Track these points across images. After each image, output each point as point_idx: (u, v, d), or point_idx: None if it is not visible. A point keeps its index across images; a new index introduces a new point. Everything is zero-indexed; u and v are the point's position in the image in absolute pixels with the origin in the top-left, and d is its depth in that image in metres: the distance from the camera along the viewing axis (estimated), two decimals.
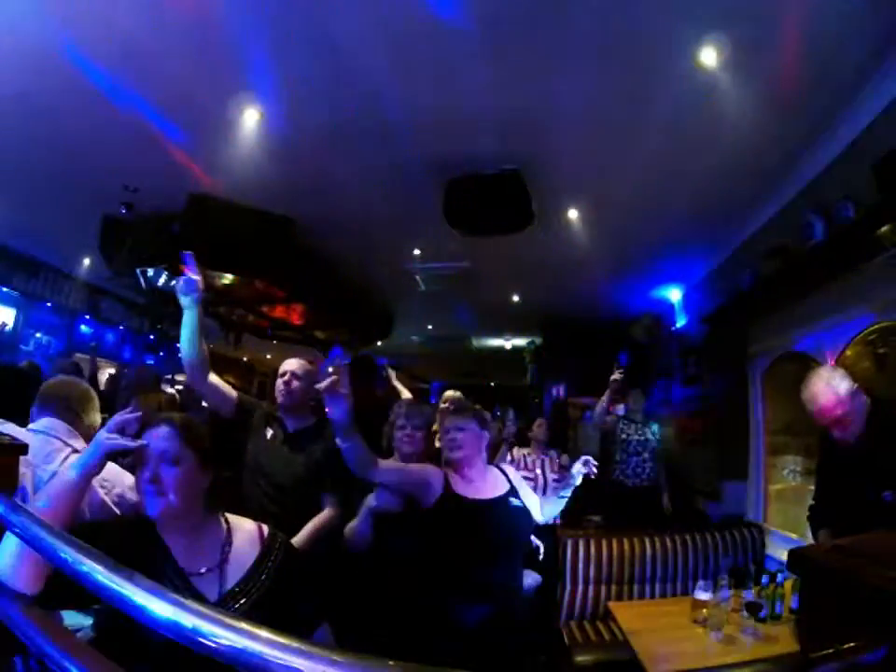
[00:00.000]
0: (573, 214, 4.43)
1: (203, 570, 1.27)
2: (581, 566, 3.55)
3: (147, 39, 2.74)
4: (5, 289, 6.77)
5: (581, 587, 3.54)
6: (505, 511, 2.08)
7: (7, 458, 1.38)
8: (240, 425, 2.37)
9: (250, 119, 3.30)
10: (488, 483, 2.14)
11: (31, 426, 1.83)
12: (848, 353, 3.28)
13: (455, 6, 2.49)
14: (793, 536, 3.55)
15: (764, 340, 4.26)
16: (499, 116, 3.26)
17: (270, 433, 2.38)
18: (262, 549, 1.37)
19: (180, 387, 6.32)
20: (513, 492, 2.17)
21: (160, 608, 0.85)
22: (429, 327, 8.99)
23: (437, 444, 2.48)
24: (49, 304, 7.43)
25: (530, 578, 3.11)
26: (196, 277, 2.11)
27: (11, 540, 1.12)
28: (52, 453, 1.74)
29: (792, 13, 2.41)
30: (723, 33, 2.53)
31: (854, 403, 2.06)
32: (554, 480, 4.07)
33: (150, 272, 5.25)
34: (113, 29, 2.68)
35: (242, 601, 1.26)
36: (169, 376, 8.44)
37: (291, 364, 2.47)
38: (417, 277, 6.09)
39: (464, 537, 1.96)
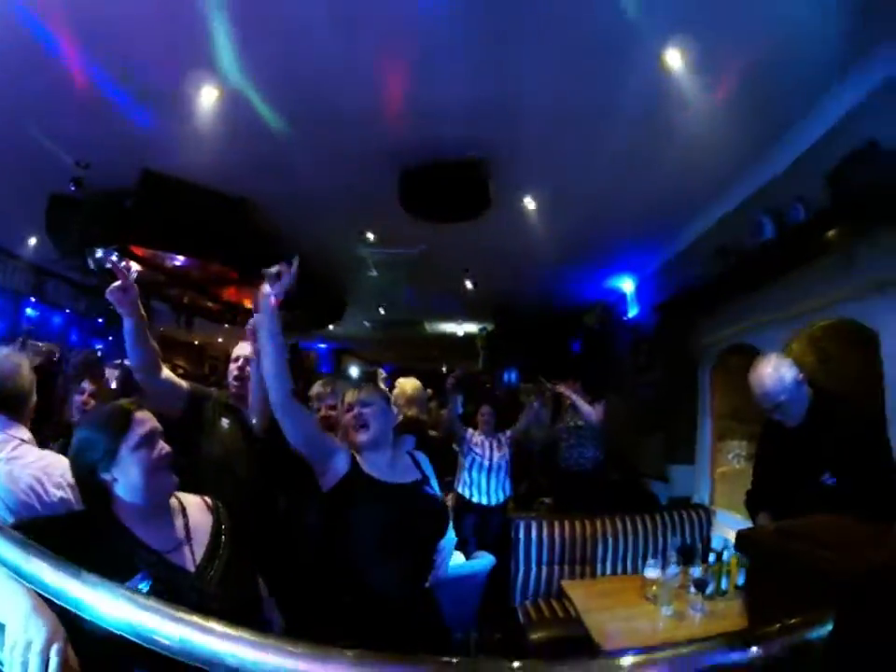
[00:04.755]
0: (530, 202, 4.46)
1: (173, 547, 1.31)
2: (533, 546, 3.64)
3: (102, 5, 2.58)
4: None
5: (534, 568, 3.63)
6: (420, 498, 1.88)
7: None
8: (192, 418, 2.22)
9: (208, 96, 3.16)
10: (399, 468, 1.92)
11: None
12: (793, 347, 3.44)
13: None
14: (738, 516, 3.72)
15: (714, 332, 4.42)
16: (462, 103, 3.23)
17: (226, 423, 2.26)
18: (214, 517, 1.47)
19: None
20: (425, 481, 1.98)
21: (110, 605, 0.82)
22: (381, 311, 8.94)
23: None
24: None
25: (484, 559, 3.17)
26: (131, 277, 1.86)
27: None
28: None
29: (755, 21, 2.46)
30: (689, 36, 2.58)
31: (798, 391, 2.17)
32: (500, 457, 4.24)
33: (99, 252, 5.02)
34: None
35: (215, 566, 1.34)
36: (118, 361, 8.12)
37: (244, 348, 2.33)
38: (370, 262, 6.03)
39: (375, 521, 1.71)
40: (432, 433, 4.16)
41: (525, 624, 3.35)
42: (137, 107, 3.35)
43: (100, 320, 8.52)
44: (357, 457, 1.83)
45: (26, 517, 1.43)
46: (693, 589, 2.64)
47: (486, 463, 4.21)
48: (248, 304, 6.48)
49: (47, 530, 1.18)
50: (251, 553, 1.49)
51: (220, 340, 10.15)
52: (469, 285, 6.89)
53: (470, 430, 4.31)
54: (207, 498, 1.52)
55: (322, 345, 11.21)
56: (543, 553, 3.63)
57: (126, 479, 1.29)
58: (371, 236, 5.46)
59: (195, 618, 0.75)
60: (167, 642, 0.78)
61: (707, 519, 3.94)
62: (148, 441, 1.32)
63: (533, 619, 3.40)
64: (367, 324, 9.73)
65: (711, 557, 2.85)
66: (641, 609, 2.60)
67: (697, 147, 3.45)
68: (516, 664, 0.72)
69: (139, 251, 4.75)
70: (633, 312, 6.30)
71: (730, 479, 4.23)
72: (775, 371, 2.17)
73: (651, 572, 2.72)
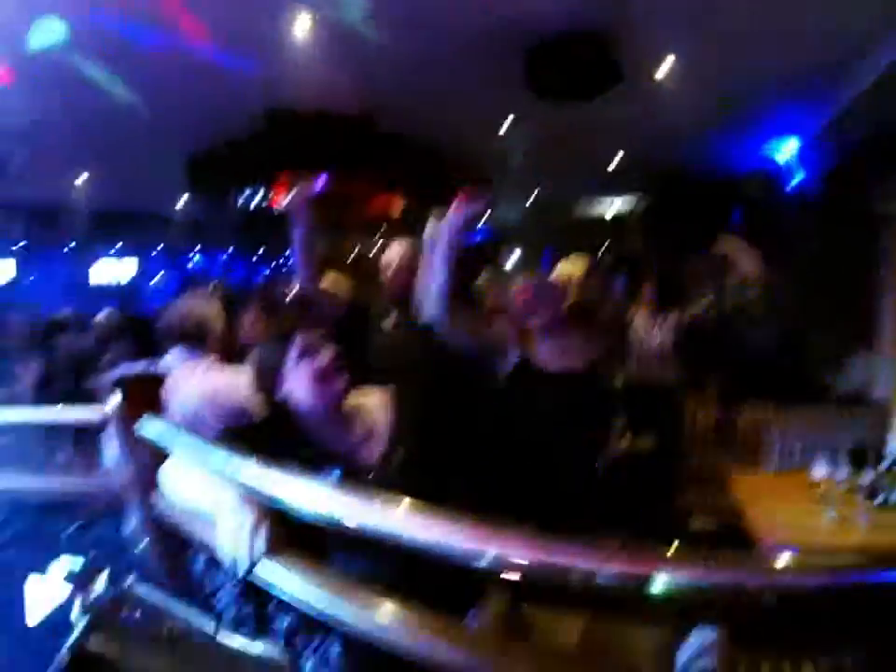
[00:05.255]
0: (671, 66, 3.90)
1: (353, 447, 1.40)
2: (701, 432, 3.59)
3: None
4: (120, 245, 7.38)
5: (700, 453, 3.58)
6: (592, 382, 1.83)
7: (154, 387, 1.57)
8: (355, 321, 2.35)
9: (303, 22, 3.19)
10: (569, 353, 1.84)
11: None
12: None
13: None
14: None
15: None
16: None
17: (391, 321, 2.37)
18: (394, 413, 1.51)
19: None
20: (596, 365, 1.89)
21: (309, 496, 0.98)
22: (531, 197, 8.66)
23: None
24: (160, 249, 8.03)
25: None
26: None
27: None
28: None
29: None
30: None
31: None
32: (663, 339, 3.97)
33: (246, 193, 5.49)
34: None
35: (396, 460, 1.41)
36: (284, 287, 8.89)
37: (394, 252, 2.43)
38: (510, 151, 5.80)
39: (547, 409, 1.71)
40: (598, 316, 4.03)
41: (687, 511, 3.33)
42: (243, 57, 3.51)
43: (255, 256, 9.36)
44: (528, 346, 1.82)
45: (221, 428, 1.65)
46: (861, 496, 2.41)
47: (648, 346, 3.94)
48: (395, 213, 6.68)
49: (239, 438, 1.35)
50: (432, 442, 1.54)
51: (376, 250, 10.60)
52: (616, 161, 6.44)
53: (633, 310, 3.99)
54: (386, 393, 1.56)
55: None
56: (711, 438, 3.59)
57: (295, 393, 1.39)
58: (506, 124, 5.22)
59: (378, 499, 0.87)
60: (354, 525, 0.91)
61: (885, 419, 3.51)
62: (306, 354, 1.38)
63: (694, 506, 3.37)
64: (519, 212, 9.56)
65: (885, 464, 2.57)
66: (805, 508, 2.44)
67: None
68: (673, 550, 0.72)
69: (282, 183, 5.09)
70: (797, 178, 5.48)
71: None
72: None
73: (819, 471, 2.55)
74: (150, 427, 1.43)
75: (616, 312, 3.89)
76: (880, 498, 2.40)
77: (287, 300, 2.76)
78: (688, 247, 7.41)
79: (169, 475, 1.36)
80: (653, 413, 3.75)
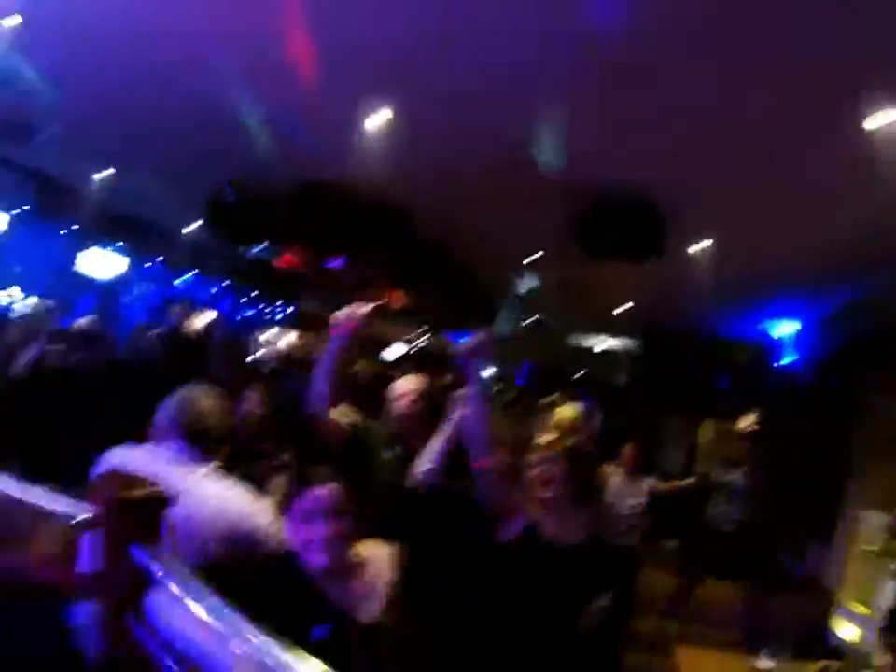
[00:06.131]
0: (701, 245, 4.19)
1: (352, 603, 1.40)
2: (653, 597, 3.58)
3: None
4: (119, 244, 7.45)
5: (650, 619, 3.55)
6: (590, 559, 1.86)
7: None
8: (352, 457, 2.18)
9: (380, 118, 3.35)
10: (575, 524, 1.87)
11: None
12: None
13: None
14: (860, 610, 3.31)
15: (881, 391, 3.94)
16: (642, 147, 3.20)
17: (388, 454, 2.27)
18: (396, 571, 1.51)
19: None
20: (597, 537, 1.94)
21: None
22: (529, 319, 8.86)
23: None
24: (157, 260, 8.07)
25: None
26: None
27: None
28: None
29: None
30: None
31: None
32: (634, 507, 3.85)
33: (255, 247, 5.56)
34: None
35: (390, 622, 1.42)
36: (262, 328, 8.81)
37: (407, 384, 2.33)
38: (520, 282, 6.18)
39: (546, 583, 1.74)
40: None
41: None
42: (310, 129, 3.71)
43: (252, 293, 9.33)
44: (536, 515, 1.84)
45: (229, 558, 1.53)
46: None
47: (615, 511, 3.73)
48: (398, 305, 6.79)
49: (250, 574, 1.35)
50: (430, 611, 1.54)
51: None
52: (621, 307, 6.76)
53: (610, 469, 3.76)
54: (393, 550, 1.56)
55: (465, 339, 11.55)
56: (662, 604, 3.62)
57: (305, 547, 1.39)
58: (529, 260, 5.50)
59: None
60: None
61: (829, 608, 3.58)
62: (307, 518, 1.39)
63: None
64: (510, 324, 9.80)
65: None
66: None
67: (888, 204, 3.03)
68: None
69: (295, 250, 5.16)
70: (788, 358, 5.76)
71: (864, 560, 3.76)
72: None
73: (764, 663, 2.56)
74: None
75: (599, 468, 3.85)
76: None
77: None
78: (669, 401, 7.62)
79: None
80: (613, 573, 3.75)
